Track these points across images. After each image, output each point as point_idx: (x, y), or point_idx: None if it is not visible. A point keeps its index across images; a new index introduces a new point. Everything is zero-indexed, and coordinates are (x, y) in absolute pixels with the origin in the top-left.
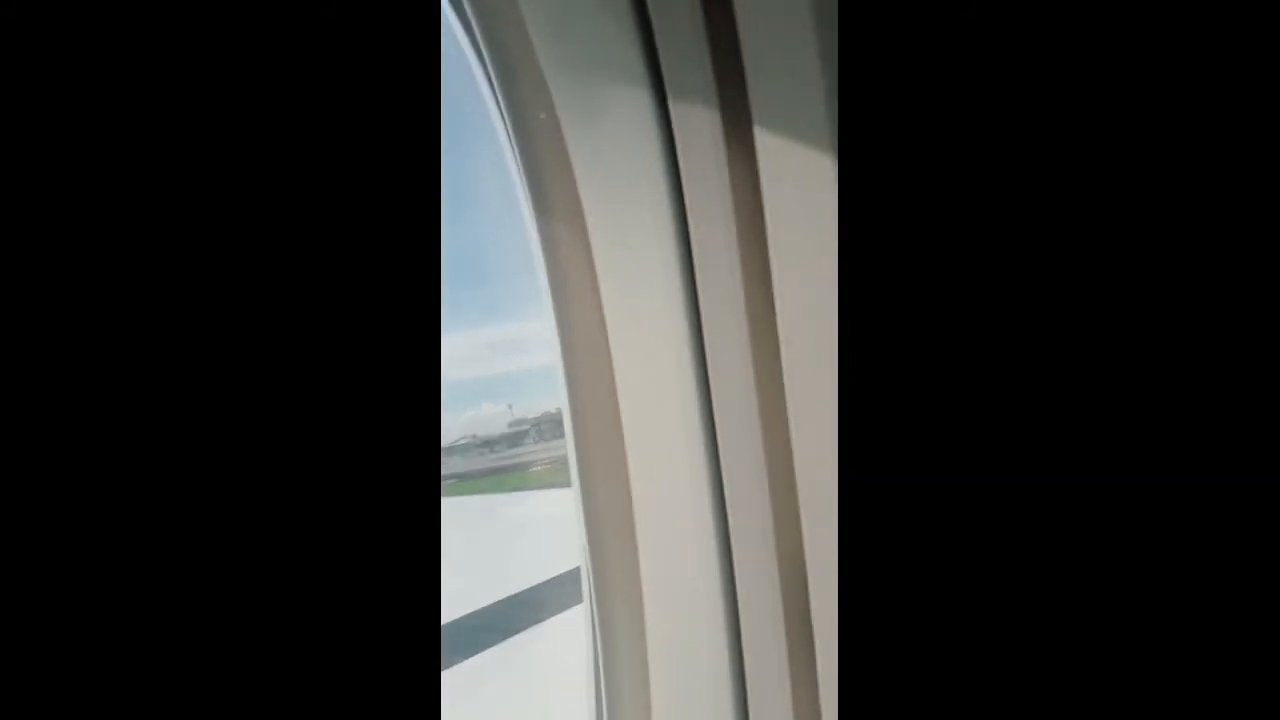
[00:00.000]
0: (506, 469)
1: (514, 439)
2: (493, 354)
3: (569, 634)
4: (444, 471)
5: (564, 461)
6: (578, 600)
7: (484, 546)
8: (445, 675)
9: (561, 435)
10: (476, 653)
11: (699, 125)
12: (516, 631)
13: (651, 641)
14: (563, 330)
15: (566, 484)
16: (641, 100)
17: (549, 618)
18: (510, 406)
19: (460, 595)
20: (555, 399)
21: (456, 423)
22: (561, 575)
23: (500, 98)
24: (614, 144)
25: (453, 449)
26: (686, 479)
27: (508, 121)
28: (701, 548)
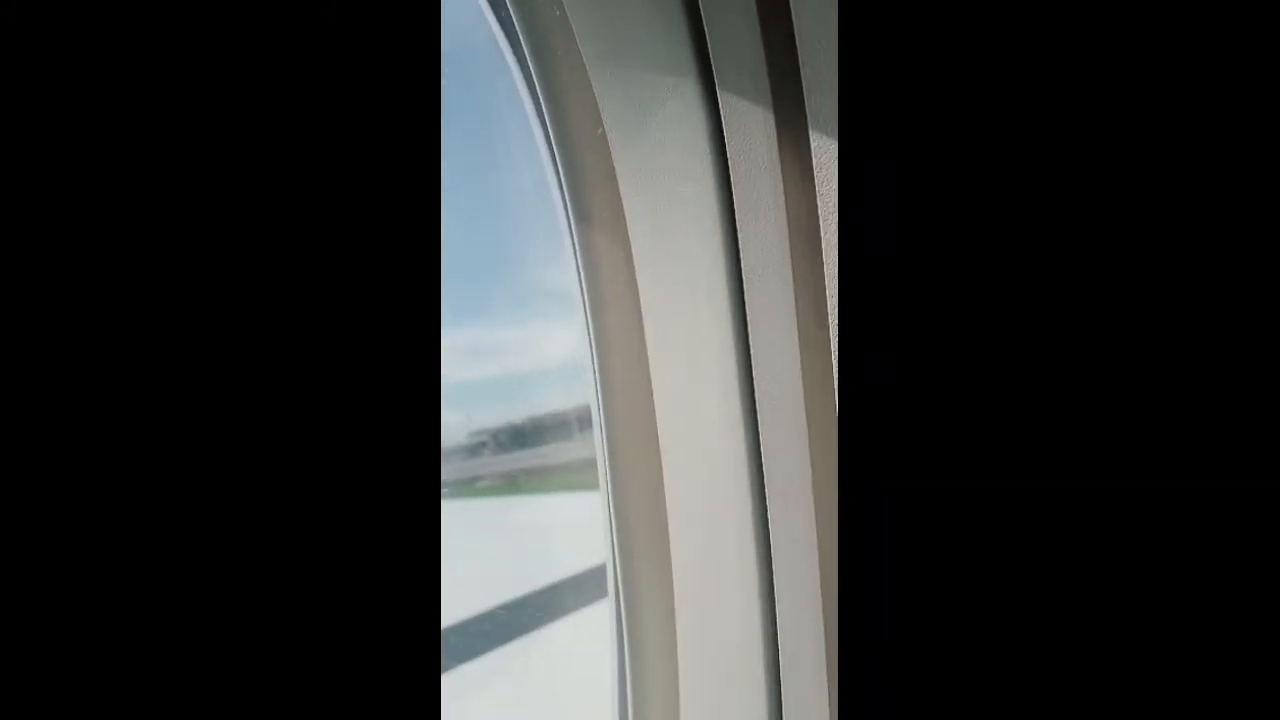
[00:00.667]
0: (460, 481)
1: (471, 450)
2: (454, 361)
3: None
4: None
5: (516, 475)
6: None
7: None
8: None
9: (518, 448)
10: None
11: (751, 126)
12: None
13: (683, 649)
14: (598, 335)
15: (513, 494)
16: (690, 99)
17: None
18: (468, 416)
19: None
20: (516, 409)
21: None
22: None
23: (542, 99)
24: (661, 144)
25: None
26: (725, 483)
27: (549, 121)
28: (740, 553)
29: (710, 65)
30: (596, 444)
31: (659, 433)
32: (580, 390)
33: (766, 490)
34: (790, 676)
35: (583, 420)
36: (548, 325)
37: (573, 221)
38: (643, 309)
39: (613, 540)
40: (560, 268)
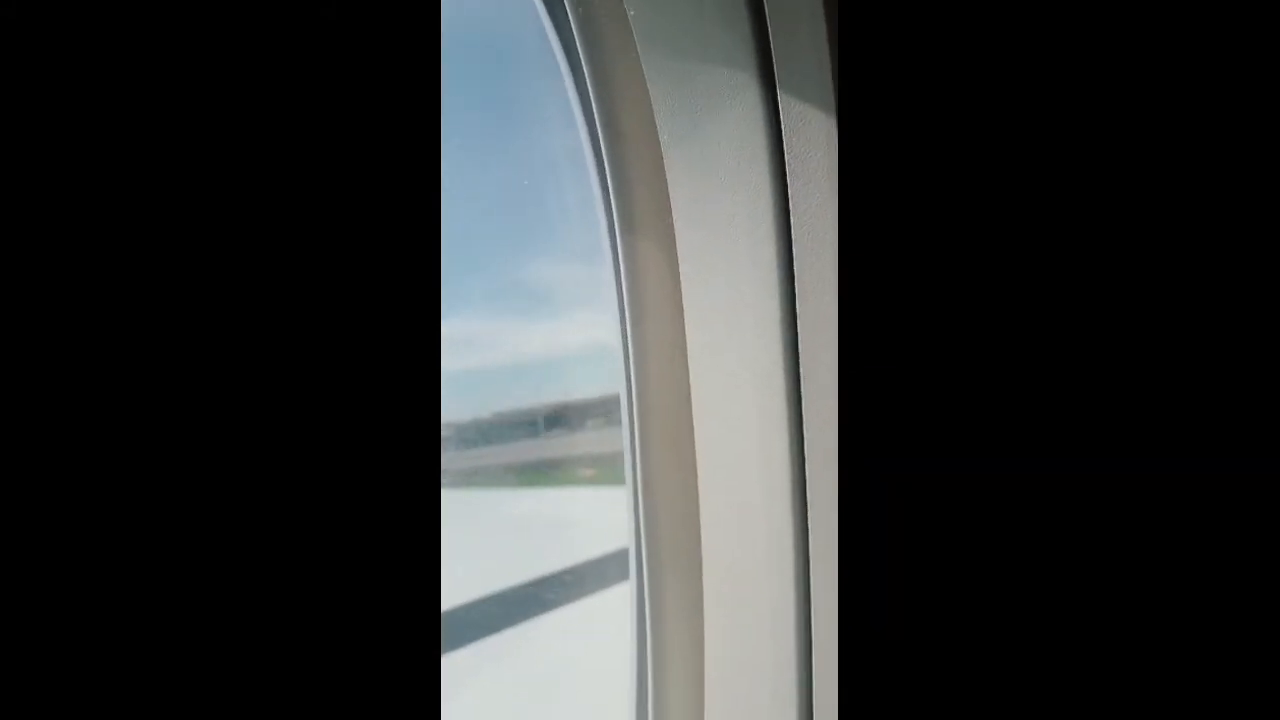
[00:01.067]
0: None
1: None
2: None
3: None
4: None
5: (478, 472)
6: None
7: None
8: None
9: (485, 444)
10: None
11: (812, 131)
12: None
13: (710, 645)
14: (635, 336)
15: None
16: (750, 102)
17: None
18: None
19: None
20: (488, 403)
21: None
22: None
23: (593, 96)
24: (717, 149)
25: None
26: (761, 483)
27: (598, 118)
28: (776, 553)
29: (772, 68)
30: (625, 441)
31: (695, 437)
32: (548, 388)
33: (809, 511)
34: (821, 667)
35: (549, 419)
36: (519, 321)
37: (616, 221)
38: (685, 314)
39: (639, 536)
40: (544, 265)
